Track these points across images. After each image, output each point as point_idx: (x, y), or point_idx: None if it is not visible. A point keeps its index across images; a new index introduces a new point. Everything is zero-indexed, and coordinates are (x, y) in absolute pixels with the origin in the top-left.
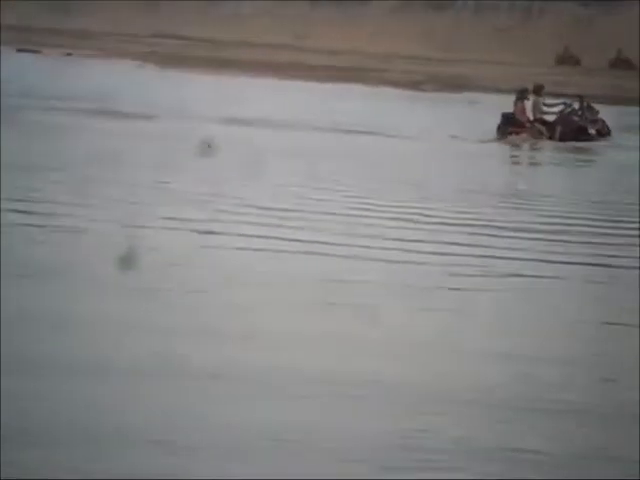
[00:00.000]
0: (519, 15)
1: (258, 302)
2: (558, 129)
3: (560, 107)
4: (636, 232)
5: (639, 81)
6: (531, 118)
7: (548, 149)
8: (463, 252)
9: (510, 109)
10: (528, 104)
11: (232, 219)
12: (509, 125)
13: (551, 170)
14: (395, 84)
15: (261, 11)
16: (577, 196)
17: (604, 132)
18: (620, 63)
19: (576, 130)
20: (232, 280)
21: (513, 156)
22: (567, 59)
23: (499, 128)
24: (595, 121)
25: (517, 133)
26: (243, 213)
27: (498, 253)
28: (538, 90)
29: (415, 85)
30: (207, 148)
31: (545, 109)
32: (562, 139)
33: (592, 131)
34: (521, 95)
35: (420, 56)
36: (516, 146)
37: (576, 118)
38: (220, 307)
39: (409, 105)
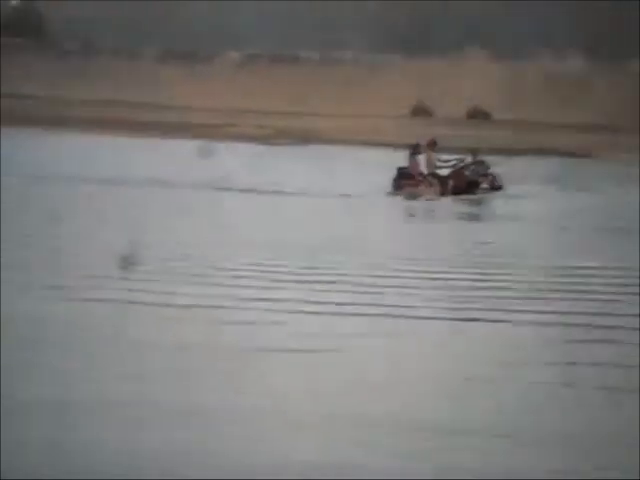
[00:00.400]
0: (365, 68)
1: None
2: (450, 183)
3: (453, 162)
4: (507, 292)
5: (495, 131)
6: (425, 172)
7: (440, 203)
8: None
9: (375, 162)
10: (421, 159)
11: None
12: (403, 179)
13: (439, 225)
14: (248, 139)
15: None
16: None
17: (496, 186)
18: (476, 114)
19: (468, 184)
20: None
21: (407, 209)
22: (421, 111)
23: (394, 182)
24: (486, 175)
25: (411, 187)
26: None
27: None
28: (432, 145)
29: (266, 139)
30: None
31: (438, 164)
32: (455, 193)
33: (484, 185)
34: (415, 150)
35: (270, 110)
36: (410, 200)
37: (468, 173)
38: None
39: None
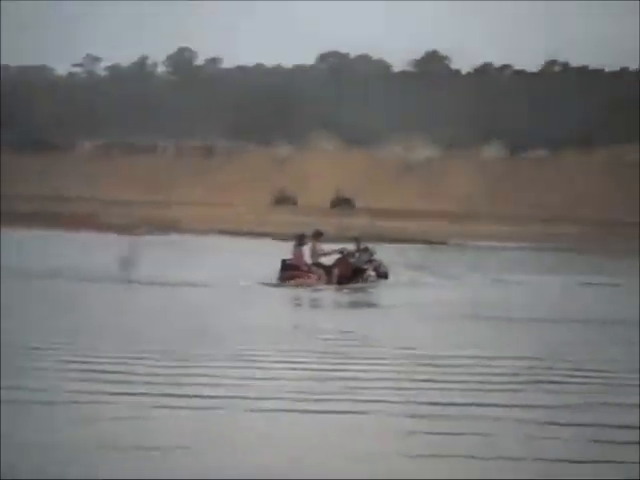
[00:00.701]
0: (221, 156)
1: None
2: (335, 272)
3: (337, 251)
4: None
5: (358, 218)
6: (309, 262)
7: (326, 292)
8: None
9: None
10: (306, 249)
11: None
12: (288, 270)
13: (328, 313)
14: (110, 229)
15: None
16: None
17: (381, 273)
18: (340, 202)
19: (353, 272)
20: None
21: (294, 300)
22: (284, 199)
23: (280, 273)
24: (371, 262)
25: (297, 278)
26: None
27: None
28: (317, 236)
29: (128, 229)
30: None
31: (322, 254)
32: (340, 282)
33: (370, 272)
34: (299, 241)
35: (130, 200)
36: (296, 290)
37: (352, 260)
38: None
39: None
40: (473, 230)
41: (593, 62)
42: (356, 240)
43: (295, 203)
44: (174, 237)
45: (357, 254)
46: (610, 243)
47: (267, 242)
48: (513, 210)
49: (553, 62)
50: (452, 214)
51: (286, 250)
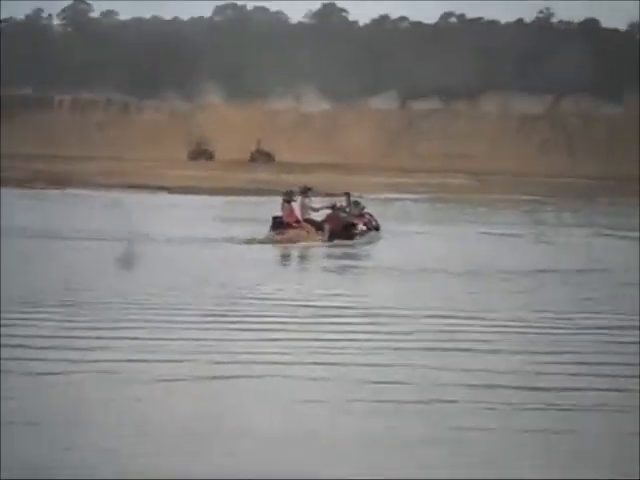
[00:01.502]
0: (119, 110)
1: None
2: (327, 228)
3: (328, 206)
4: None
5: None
6: (300, 219)
7: (318, 248)
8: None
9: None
10: (296, 205)
11: None
12: (279, 227)
13: (318, 272)
14: (8, 183)
15: None
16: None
17: (371, 226)
18: (259, 156)
19: (344, 227)
20: None
21: (283, 257)
22: (200, 154)
23: (271, 230)
24: (362, 216)
25: (288, 234)
26: None
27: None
28: (305, 192)
29: (22, 183)
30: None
31: (312, 210)
32: (331, 237)
33: (360, 226)
34: (288, 197)
35: (27, 154)
36: (287, 247)
37: (343, 215)
38: None
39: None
40: (369, 182)
41: (488, 14)
42: (346, 195)
43: (212, 157)
44: (81, 192)
45: (348, 209)
46: (506, 193)
47: (201, 198)
48: (409, 161)
49: (449, 14)
50: (349, 166)
51: (214, 205)
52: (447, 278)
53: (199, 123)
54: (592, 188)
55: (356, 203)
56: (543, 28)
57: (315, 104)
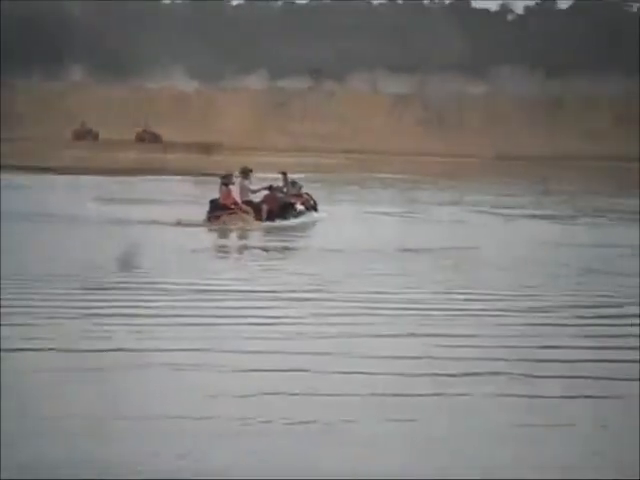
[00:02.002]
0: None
1: None
2: (264, 208)
3: (265, 187)
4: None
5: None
6: (238, 201)
7: (257, 230)
8: None
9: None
10: (234, 188)
11: None
12: (216, 210)
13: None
14: None
15: None
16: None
17: (309, 206)
18: (147, 136)
19: (282, 207)
20: None
21: (220, 241)
22: (85, 134)
23: (208, 214)
24: (299, 196)
25: (226, 217)
26: None
27: None
28: (245, 173)
29: None
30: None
31: (250, 192)
32: (269, 218)
33: (298, 206)
34: (226, 180)
35: None
36: (225, 230)
37: (281, 195)
38: None
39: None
40: (244, 162)
41: None
42: (283, 175)
43: (97, 138)
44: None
45: (284, 189)
46: (380, 172)
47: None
48: (282, 141)
49: None
50: (225, 146)
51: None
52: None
53: (78, 103)
54: (464, 167)
55: (293, 183)
56: (415, 7)
57: (189, 84)
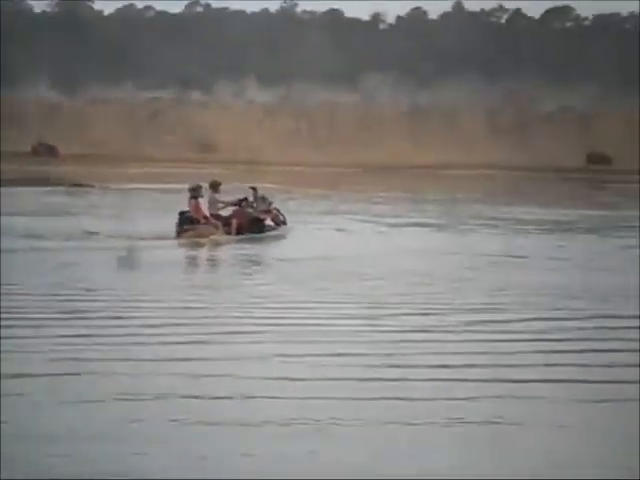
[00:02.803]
0: None
1: None
2: (234, 222)
3: (235, 201)
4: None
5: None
6: (207, 214)
7: (226, 243)
8: None
9: None
10: (203, 201)
11: None
12: (185, 223)
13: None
14: None
15: None
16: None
17: (279, 221)
18: (43, 149)
19: (251, 222)
20: None
21: (190, 254)
22: None
23: (178, 226)
24: (269, 211)
25: (195, 230)
26: None
27: None
28: (214, 186)
29: None
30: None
31: (219, 205)
32: (239, 232)
33: (267, 222)
34: (195, 192)
35: None
36: (195, 243)
37: (250, 210)
38: None
39: None
40: (116, 173)
41: (234, 4)
42: (253, 190)
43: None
44: None
45: (254, 204)
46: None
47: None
48: (155, 152)
49: (195, 3)
50: (97, 157)
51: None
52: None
53: None
54: (338, 176)
55: (263, 199)
56: (287, 17)
57: (59, 95)
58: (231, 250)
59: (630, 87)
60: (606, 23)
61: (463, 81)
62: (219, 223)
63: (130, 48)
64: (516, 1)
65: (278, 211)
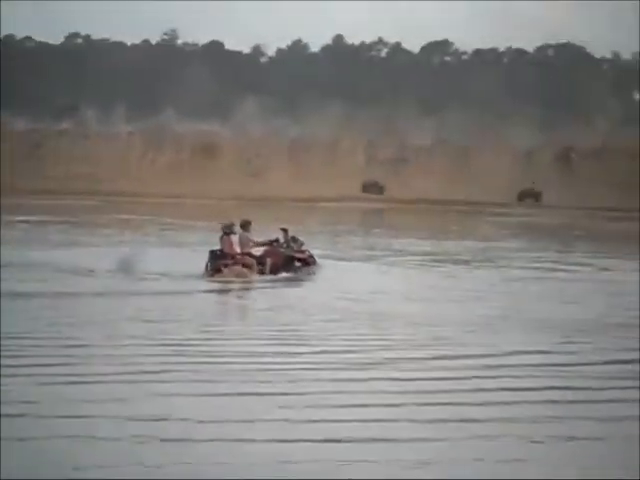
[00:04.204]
0: None
1: None
2: (268, 261)
3: (267, 241)
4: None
5: None
6: (239, 252)
7: (259, 282)
8: None
9: None
10: (235, 239)
11: None
12: (218, 260)
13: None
14: None
15: None
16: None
17: (310, 261)
18: None
19: (284, 261)
20: None
21: (222, 291)
22: None
23: (209, 265)
24: (301, 251)
25: (228, 268)
26: None
27: None
28: (245, 225)
29: None
30: None
31: (252, 244)
32: (272, 271)
33: (299, 261)
34: (228, 230)
35: None
36: (228, 281)
37: (283, 250)
38: None
39: None
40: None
41: (115, 36)
42: (284, 231)
43: None
44: None
45: (285, 244)
46: (135, 214)
47: None
48: (38, 183)
49: (75, 35)
50: None
51: None
52: None
53: None
54: (217, 208)
55: (294, 239)
56: (169, 49)
57: None
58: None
59: (507, 119)
60: (484, 58)
61: (343, 114)
62: (254, 261)
63: (11, 78)
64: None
65: (309, 252)
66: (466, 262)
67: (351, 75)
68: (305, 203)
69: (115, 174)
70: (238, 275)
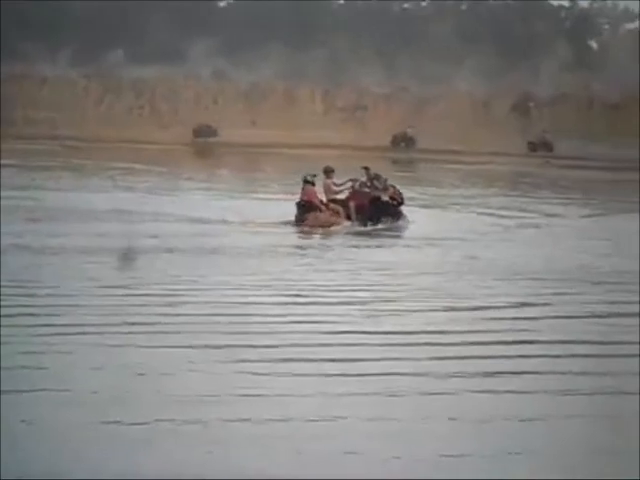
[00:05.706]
0: None
1: None
2: (352, 205)
3: (349, 184)
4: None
5: None
6: (324, 200)
7: (347, 229)
8: None
9: None
10: (318, 187)
11: None
12: (305, 211)
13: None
14: None
15: None
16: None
17: (398, 199)
18: None
19: (370, 201)
20: None
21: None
22: None
23: (297, 215)
24: (386, 189)
25: (315, 217)
26: None
27: None
28: (328, 172)
29: None
30: None
31: (335, 189)
32: (359, 212)
33: (385, 198)
34: (311, 179)
35: None
36: (315, 230)
37: (367, 189)
38: None
39: None
40: None
41: None
42: (366, 169)
43: None
44: None
45: (369, 182)
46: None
47: None
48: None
49: None
50: None
51: None
52: None
53: None
54: (171, 153)
55: (377, 176)
56: None
57: None
58: None
59: (464, 67)
60: (443, 6)
61: (304, 59)
62: (340, 208)
63: None
64: None
65: (394, 188)
66: None
67: (309, 23)
68: (263, 149)
69: (74, 119)
70: (323, 224)
